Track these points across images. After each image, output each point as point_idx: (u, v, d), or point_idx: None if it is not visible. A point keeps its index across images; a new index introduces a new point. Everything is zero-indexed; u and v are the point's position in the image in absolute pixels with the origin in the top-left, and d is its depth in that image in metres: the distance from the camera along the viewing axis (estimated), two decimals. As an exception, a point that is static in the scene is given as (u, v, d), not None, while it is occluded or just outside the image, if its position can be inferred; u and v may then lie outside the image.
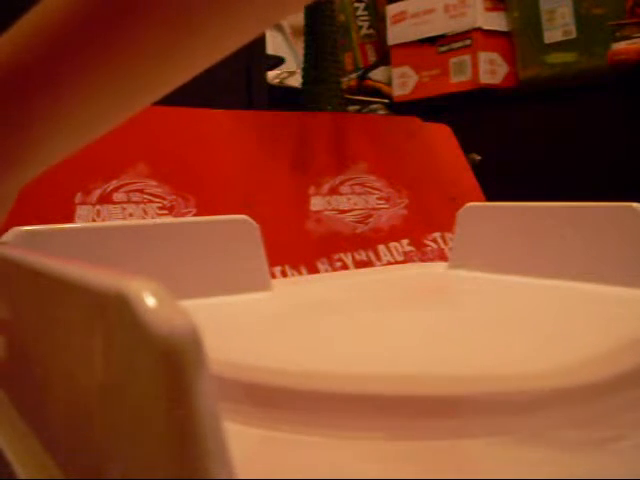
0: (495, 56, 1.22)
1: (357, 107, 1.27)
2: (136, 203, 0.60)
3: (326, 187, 0.72)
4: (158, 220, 0.58)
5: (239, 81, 0.83)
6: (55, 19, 0.25)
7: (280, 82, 1.05)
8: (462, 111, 1.21)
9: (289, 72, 1.07)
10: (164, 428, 0.13)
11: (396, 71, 1.34)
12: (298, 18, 0.92)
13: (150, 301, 0.13)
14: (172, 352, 0.12)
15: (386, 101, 1.33)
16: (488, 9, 1.21)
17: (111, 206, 0.59)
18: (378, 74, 1.39)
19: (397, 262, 0.72)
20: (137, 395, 0.14)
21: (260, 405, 0.26)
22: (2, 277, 0.26)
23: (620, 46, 1.02)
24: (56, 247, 0.42)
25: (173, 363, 0.12)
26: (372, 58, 1.45)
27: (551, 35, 1.16)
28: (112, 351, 0.15)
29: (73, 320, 0.17)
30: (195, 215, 0.62)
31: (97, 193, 0.59)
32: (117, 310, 0.14)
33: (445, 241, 0.76)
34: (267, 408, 0.26)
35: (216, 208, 0.63)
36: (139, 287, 0.14)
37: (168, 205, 0.62)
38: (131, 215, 0.60)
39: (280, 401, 0.27)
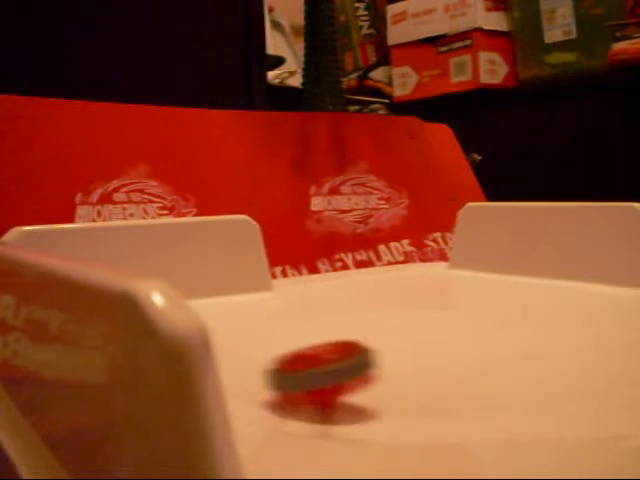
0: (495, 56, 1.22)
1: (357, 107, 1.27)
2: (136, 203, 0.60)
3: (326, 187, 0.72)
4: (158, 220, 0.58)
5: (239, 81, 0.83)
6: None
7: (280, 82, 1.05)
8: (462, 111, 1.21)
9: (289, 72, 1.07)
10: (172, 428, 0.13)
11: (396, 71, 1.34)
12: (298, 18, 0.92)
13: (159, 301, 0.13)
14: (181, 352, 0.13)
15: (386, 101, 1.33)
16: (488, 9, 1.21)
17: (111, 206, 0.59)
18: (378, 74, 1.39)
19: (397, 262, 0.73)
20: (145, 395, 0.14)
21: (261, 405, 0.26)
22: (3, 277, 0.26)
23: (620, 46, 1.02)
24: (56, 247, 0.42)
25: (182, 363, 0.13)
26: (372, 58, 1.45)
27: (551, 35, 1.16)
28: (119, 351, 0.15)
29: (78, 320, 0.17)
30: (196, 215, 0.62)
31: (97, 193, 0.59)
32: (125, 310, 0.14)
33: (445, 241, 0.76)
34: (267, 408, 0.26)
35: (216, 208, 0.63)
36: (147, 287, 0.14)
37: (169, 205, 0.62)
38: (132, 215, 0.60)
39: (281, 400, 0.27)
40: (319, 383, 0.24)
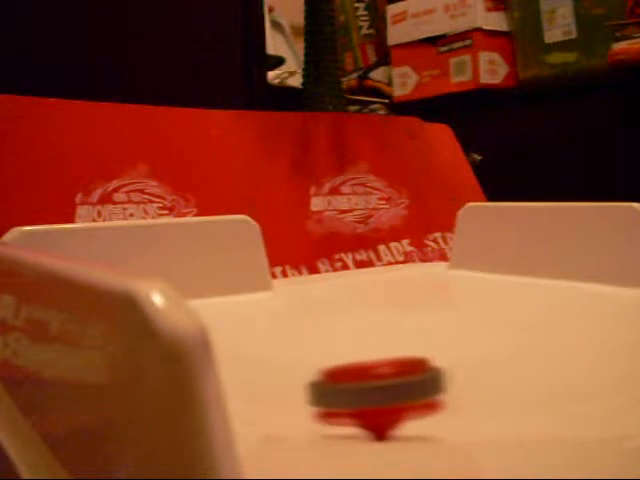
0: (495, 56, 1.22)
1: (357, 107, 1.27)
2: (136, 203, 0.60)
3: (327, 187, 0.72)
4: (158, 220, 0.58)
5: (239, 81, 0.83)
6: None
7: (280, 82, 1.05)
8: (462, 111, 1.21)
9: (289, 72, 1.07)
10: (172, 428, 0.13)
11: (396, 71, 1.34)
12: (298, 18, 0.92)
13: (159, 301, 0.13)
14: (181, 353, 0.13)
15: (386, 101, 1.33)
16: (488, 9, 1.21)
17: (111, 206, 0.59)
18: (378, 74, 1.39)
19: (398, 262, 0.73)
20: (144, 396, 0.14)
21: (261, 405, 0.26)
22: (3, 277, 0.26)
23: (620, 46, 1.02)
24: (56, 247, 0.42)
25: (182, 364, 0.13)
26: (372, 58, 1.45)
27: (551, 35, 1.16)
28: (119, 351, 0.15)
29: (78, 320, 0.17)
30: (196, 215, 0.62)
31: (98, 193, 0.59)
32: (125, 310, 0.14)
33: (445, 241, 0.76)
34: (267, 408, 0.26)
35: (216, 208, 0.63)
36: (147, 287, 0.14)
37: (169, 205, 0.62)
38: (132, 215, 0.60)
39: (280, 401, 0.27)
40: (370, 401, 0.20)
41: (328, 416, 0.21)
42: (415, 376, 0.20)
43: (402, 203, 0.76)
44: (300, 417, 0.25)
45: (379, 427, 0.21)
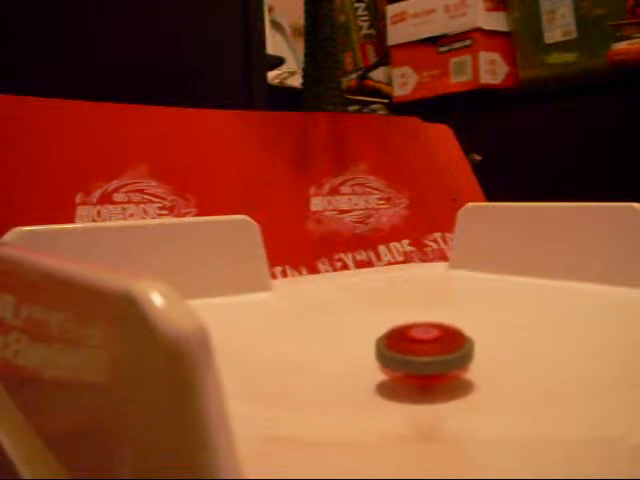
0: (495, 56, 1.22)
1: (357, 107, 1.27)
2: (136, 203, 0.60)
3: (326, 187, 0.72)
4: (158, 220, 0.58)
5: (239, 81, 0.83)
6: None
7: (280, 82, 1.05)
8: (462, 111, 1.21)
9: (289, 72, 1.07)
10: (172, 428, 0.13)
11: (396, 71, 1.34)
12: (298, 18, 0.92)
13: (158, 301, 0.13)
14: (181, 352, 0.13)
15: (386, 101, 1.33)
16: (488, 9, 1.21)
17: (111, 206, 0.59)
18: (378, 74, 1.39)
19: (397, 262, 0.73)
20: (144, 396, 0.14)
21: (261, 404, 0.26)
22: (3, 277, 0.26)
23: (620, 46, 1.02)
24: (56, 247, 0.42)
25: (182, 364, 0.13)
26: (372, 58, 1.45)
27: (551, 35, 1.16)
28: (119, 351, 0.15)
29: (78, 320, 0.17)
30: (196, 215, 0.62)
31: (97, 193, 0.59)
32: (125, 310, 0.14)
33: (446, 241, 0.76)
34: (267, 407, 0.26)
35: (216, 208, 0.63)
36: (147, 287, 0.14)
37: (168, 205, 0.62)
38: (131, 215, 0.60)
39: (280, 401, 0.27)
40: (415, 370, 0.25)
41: (384, 370, 0.26)
42: (450, 354, 0.25)
43: (402, 203, 0.76)
44: (300, 416, 0.25)
45: (423, 386, 0.26)
